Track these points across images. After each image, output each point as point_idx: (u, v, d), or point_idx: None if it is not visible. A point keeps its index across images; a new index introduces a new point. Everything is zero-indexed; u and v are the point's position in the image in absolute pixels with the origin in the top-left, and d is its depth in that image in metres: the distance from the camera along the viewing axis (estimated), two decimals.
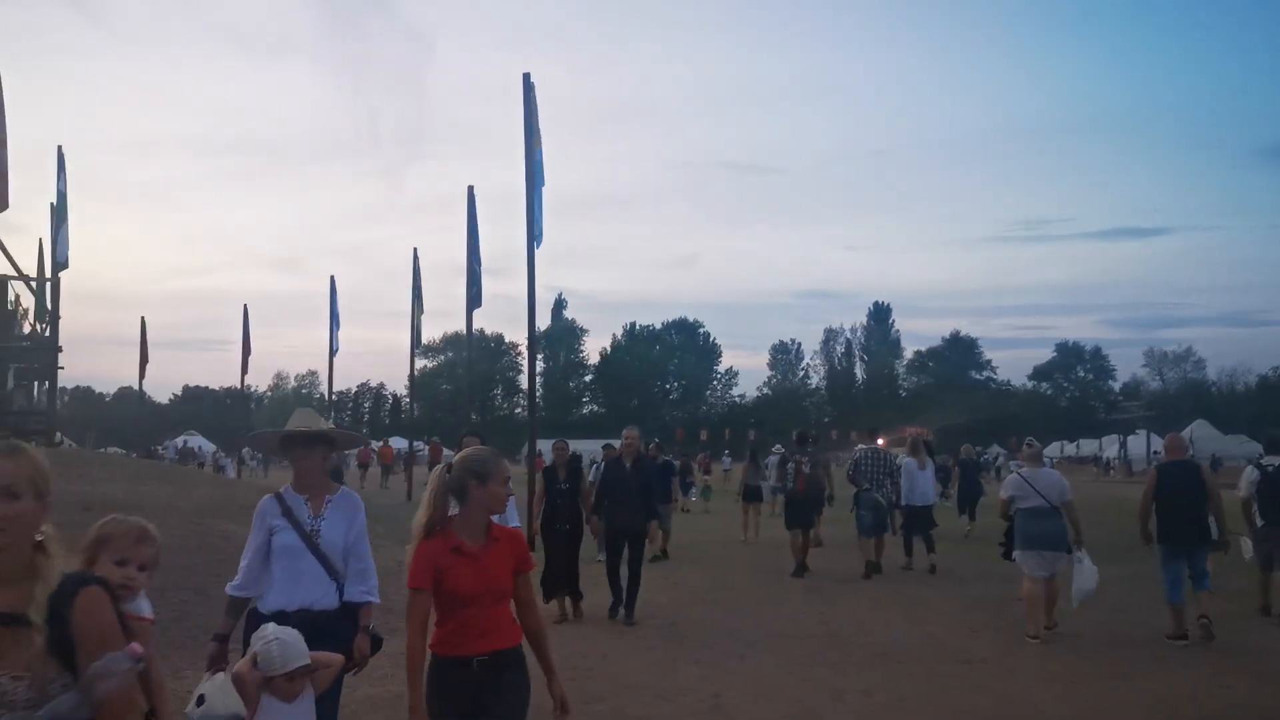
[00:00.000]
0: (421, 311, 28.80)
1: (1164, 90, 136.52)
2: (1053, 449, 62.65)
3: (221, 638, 3.90)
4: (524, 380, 22.18)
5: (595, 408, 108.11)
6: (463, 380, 40.62)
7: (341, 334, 33.97)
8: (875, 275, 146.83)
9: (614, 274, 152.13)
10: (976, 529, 18.30)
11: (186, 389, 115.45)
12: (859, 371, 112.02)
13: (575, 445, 11.05)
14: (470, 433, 6.68)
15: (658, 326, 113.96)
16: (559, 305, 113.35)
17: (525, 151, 15.65)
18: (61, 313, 24.34)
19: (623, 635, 8.84)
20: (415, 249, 29.26)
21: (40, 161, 30.51)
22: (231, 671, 3.52)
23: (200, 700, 3.39)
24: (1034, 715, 6.26)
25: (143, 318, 43.54)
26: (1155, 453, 55.43)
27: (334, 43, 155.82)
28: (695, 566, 13.74)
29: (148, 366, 43.62)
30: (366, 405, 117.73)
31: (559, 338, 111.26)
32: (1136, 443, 62.24)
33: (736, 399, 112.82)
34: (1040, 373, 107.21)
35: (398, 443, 43.33)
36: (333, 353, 35.17)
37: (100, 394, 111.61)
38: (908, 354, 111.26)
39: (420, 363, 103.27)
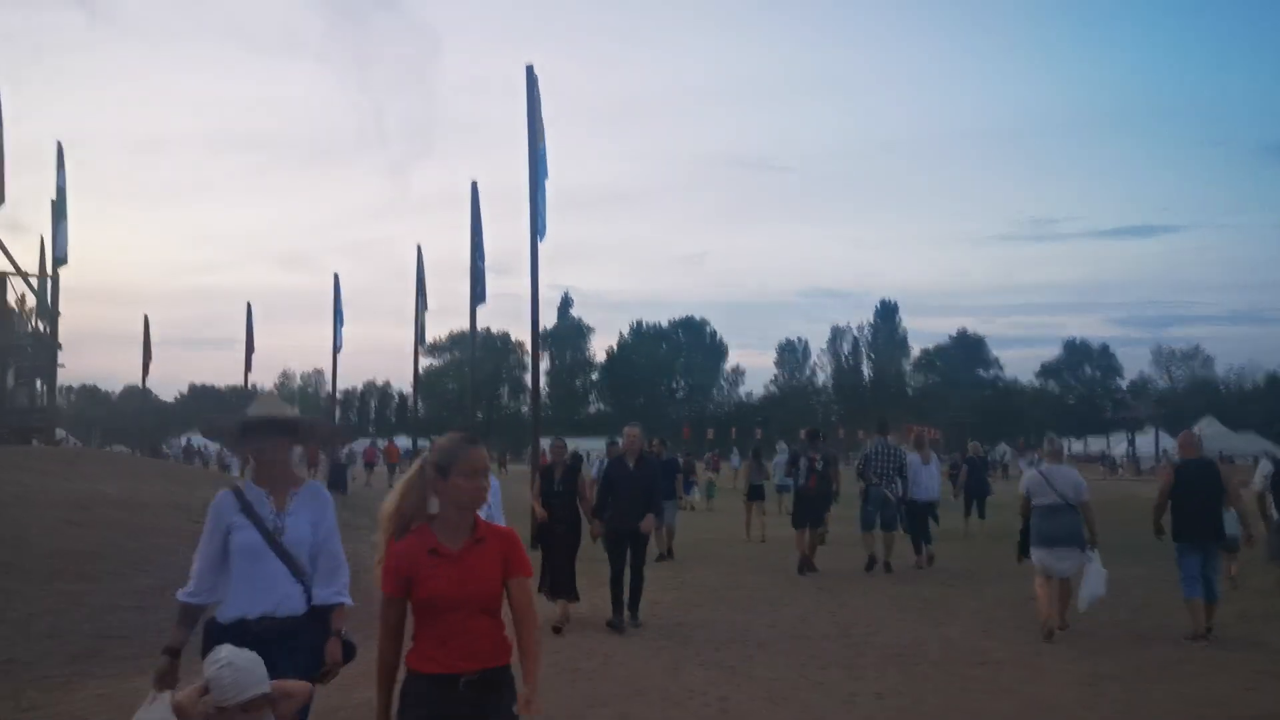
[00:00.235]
0: (425, 309, 28.65)
1: (1172, 87, 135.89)
2: None
3: (172, 652, 3.45)
4: (530, 378, 22.12)
5: (602, 406, 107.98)
6: (469, 379, 40.38)
7: (348, 332, 33.96)
8: (882, 273, 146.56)
9: (620, 272, 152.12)
10: (986, 527, 18.06)
11: (193, 387, 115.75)
12: (866, 370, 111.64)
13: (581, 444, 10.82)
14: (458, 431, 6.27)
15: (664, 325, 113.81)
16: (565, 304, 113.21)
17: (528, 144, 15.43)
18: (64, 310, 24.30)
19: (628, 636, 8.57)
20: (419, 246, 29.16)
21: (47, 159, 30.41)
22: (174, 700, 3.14)
23: None
24: None
25: (145, 315, 43.58)
26: (1165, 451, 55.16)
27: (339, 40, 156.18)
28: (702, 565, 13.47)
29: (152, 364, 43.41)
30: (373, 403, 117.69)
31: (565, 336, 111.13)
32: (1145, 441, 61.88)
33: (743, 397, 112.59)
34: (1048, 371, 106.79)
35: (403, 441, 43.17)
36: (336, 350, 35.14)
37: (107, 392, 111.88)
38: (915, 352, 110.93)
39: (426, 361, 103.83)
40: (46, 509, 12.05)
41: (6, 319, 26.33)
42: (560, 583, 9.04)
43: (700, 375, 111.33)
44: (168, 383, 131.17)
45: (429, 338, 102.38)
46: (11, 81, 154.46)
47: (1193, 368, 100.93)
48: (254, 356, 40.17)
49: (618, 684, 6.90)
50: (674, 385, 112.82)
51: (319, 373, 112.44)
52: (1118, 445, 66.58)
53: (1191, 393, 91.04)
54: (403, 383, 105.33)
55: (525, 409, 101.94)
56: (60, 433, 48.08)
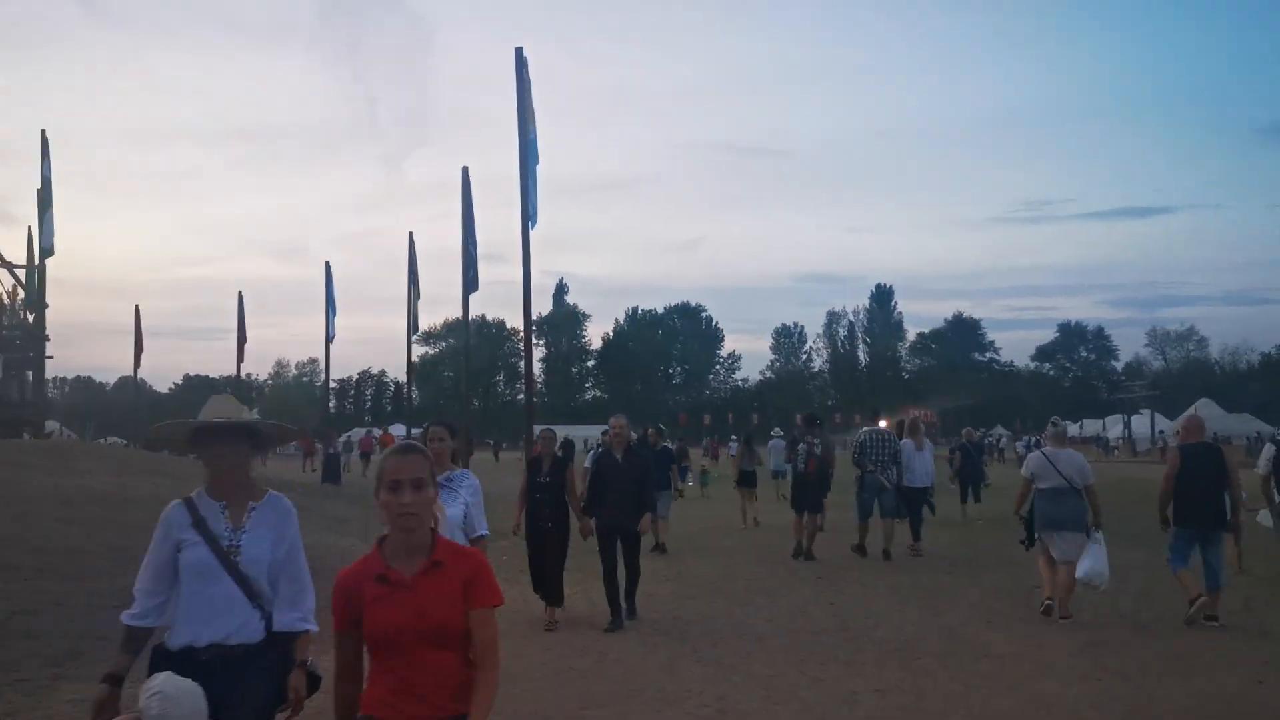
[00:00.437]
0: (418, 297, 28.30)
1: (1165, 70, 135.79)
2: None
3: (113, 679, 3.05)
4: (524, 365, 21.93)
5: (598, 393, 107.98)
6: (463, 366, 40.07)
7: (344, 322, 33.77)
8: (877, 257, 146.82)
9: (616, 259, 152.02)
10: (983, 511, 17.96)
11: (187, 378, 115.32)
12: (862, 354, 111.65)
13: (577, 432, 10.50)
14: (437, 422, 5.54)
15: (660, 311, 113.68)
16: (560, 290, 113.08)
17: (518, 128, 15.16)
18: (58, 302, 24.27)
19: (624, 632, 8.37)
20: (410, 233, 28.81)
21: (36, 150, 30.01)
22: None
23: None
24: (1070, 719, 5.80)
25: (136, 306, 43.33)
26: (1160, 432, 55.13)
27: (332, 29, 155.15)
28: (698, 556, 13.30)
29: (145, 356, 43.19)
30: (369, 392, 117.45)
31: (561, 323, 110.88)
32: (1140, 422, 61.84)
33: (739, 383, 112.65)
34: (1043, 353, 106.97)
35: (399, 430, 42.95)
36: (329, 339, 34.81)
37: (101, 383, 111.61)
38: (910, 336, 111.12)
39: (423, 349, 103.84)
40: (32, 504, 11.85)
41: None
42: (547, 588, 8.71)
43: (696, 361, 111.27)
44: (163, 374, 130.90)
45: (424, 326, 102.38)
46: (4, 73, 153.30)
47: (1187, 349, 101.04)
48: (250, 347, 39.88)
49: (613, 683, 6.73)
50: (670, 371, 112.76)
51: (314, 363, 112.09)
52: (1114, 427, 66.52)
53: (1186, 374, 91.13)
54: (399, 372, 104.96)
55: (522, 397, 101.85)
56: (53, 425, 47.87)
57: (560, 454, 9.24)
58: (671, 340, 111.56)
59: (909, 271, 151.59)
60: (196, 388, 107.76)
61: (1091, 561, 8.39)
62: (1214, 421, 54.31)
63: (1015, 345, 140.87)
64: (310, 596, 3.28)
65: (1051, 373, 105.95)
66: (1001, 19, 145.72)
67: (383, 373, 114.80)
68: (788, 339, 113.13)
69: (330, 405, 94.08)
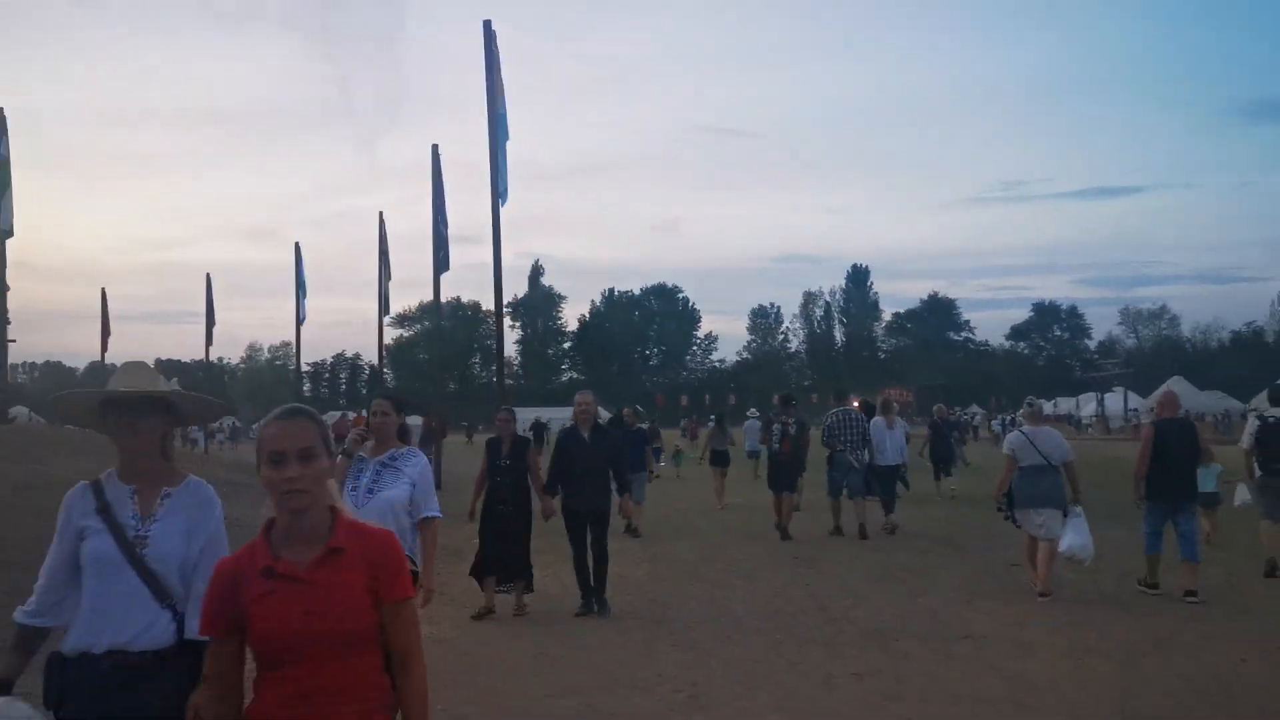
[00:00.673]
0: (389, 278, 27.95)
1: (1138, 50, 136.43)
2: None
3: (2, 685, 2.65)
4: (498, 345, 21.63)
5: (575, 375, 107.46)
6: (441, 350, 39.47)
7: (319, 304, 33.89)
8: (853, 238, 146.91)
9: (592, 241, 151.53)
10: (954, 486, 17.91)
11: (159, 362, 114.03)
12: (838, 334, 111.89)
13: (554, 414, 10.13)
14: (383, 395, 5.04)
15: (637, 293, 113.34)
16: (536, 272, 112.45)
17: (487, 104, 14.83)
18: (28, 286, 23.85)
19: (597, 617, 8.14)
20: (381, 213, 28.39)
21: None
22: None
23: None
24: (1054, 702, 5.63)
25: (103, 289, 42.69)
26: (1133, 410, 55.53)
27: (304, 10, 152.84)
28: (674, 538, 13.11)
29: (114, 340, 42.51)
30: (343, 376, 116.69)
31: (537, 305, 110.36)
32: (1114, 400, 62.26)
33: (716, 364, 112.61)
34: (1017, 333, 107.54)
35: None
36: (300, 321, 34.40)
37: (71, 368, 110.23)
38: (886, 316, 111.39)
39: (397, 332, 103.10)
40: None
41: None
42: (511, 566, 8.29)
43: (673, 342, 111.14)
44: (134, 358, 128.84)
45: (399, 309, 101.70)
46: None
47: (1159, 327, 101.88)
48: (223, 331, 39.55)
49: (585, 670, 6.51)
50: (647, 353, 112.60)
51: (287, 346, 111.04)
52: (1087, 405, 66.93)
53: (1159, 352, 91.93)
54: (374, 355, 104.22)
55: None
56: (21, 410, 47.01)
57: (524, 435, 8.82)
58: (648, 322, 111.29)
59: (885, 252, 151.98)
60: (168, 372, 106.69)
61: (1074, 536, 8.38)
62: (1186, 399, 54.49)
63: (990, 324, 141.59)
64: None
65: (1026, 352, 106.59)
66: (976, 1, 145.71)
67: (357, 356, 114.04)
68: (764, 320, 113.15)
69: (305, 389, 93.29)
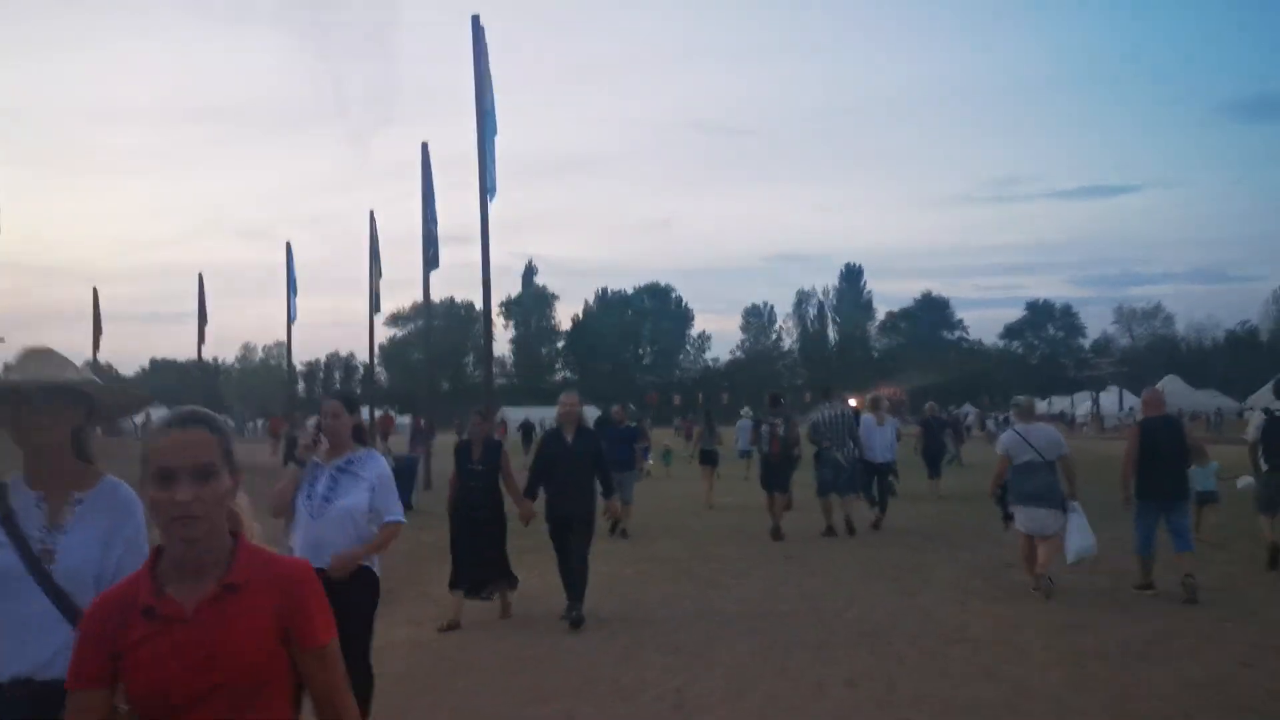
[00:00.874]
0: (380, 275, 27.63)
1: (1130, 48, 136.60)
2: None
3: None
4: (490, 345, 21.44)
5: (568, 374, 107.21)
6: (432, 349, 39.02)
7: (315, 305, 33.53)
8: (846, 237, 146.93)
9: (585, 240, 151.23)
10: (944, 485, 17.76)
11: (154, 362, 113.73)
12: (831, 333, 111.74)
13: (548, 414, 9.65)
14: (333, 395, 4.70)
15: (629, 292, 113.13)
16: (529, 272, 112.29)
17: (475, 99, 14.60)
18: (20, 284, 23.18)
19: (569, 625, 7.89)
20: (371, 211, 28.14)
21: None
22: None
23: None
24: (1053, 709, 5.43)
25: (95, 289, 42.53)
26: (1130, 409, 55.43)
27: (296, 6, 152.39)
28: (663, 537, 12.90)
29: (109, 340, 42.31)
30: (337, 375, 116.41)
31: (530, 304, 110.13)
32: (1108, 399, 62.19)
33: (709, 363, 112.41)
34: (1011, 331, 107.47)
35: (363, 412, 42.28)
36: (291, 320, 34.14)
37: None
38: (880, 315, 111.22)
39: (390, 331, 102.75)
40: None
41: None
42: (489, 571, 7.93)
43: (666, 341, 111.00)
44: (129, 358, 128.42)
45: (393, 309, 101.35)
46: None
47: (1153, 326, 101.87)
48: (218, 331, 39.36)
49: (565, 675, 6.29)
50: (640, 352, 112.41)
51: (282, 345, 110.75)
52: (1081, 404, 66.86)
53: (1153, 350, 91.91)
54: (367, 354, 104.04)
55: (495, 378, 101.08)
56: None
57: (490, 438, 8.27)
58: (641, 321, 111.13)
59: (878, 250, 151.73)
60: (163, 372, 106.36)
61: (1078, 538, 8.27)
62: (1180, 397, 54.71)
63: (984, 323, 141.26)
64: None
65: (1020, 350, 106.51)
66: None
67: (351, 355, 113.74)
68: (757, 319, 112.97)
69: (299, 388, 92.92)
